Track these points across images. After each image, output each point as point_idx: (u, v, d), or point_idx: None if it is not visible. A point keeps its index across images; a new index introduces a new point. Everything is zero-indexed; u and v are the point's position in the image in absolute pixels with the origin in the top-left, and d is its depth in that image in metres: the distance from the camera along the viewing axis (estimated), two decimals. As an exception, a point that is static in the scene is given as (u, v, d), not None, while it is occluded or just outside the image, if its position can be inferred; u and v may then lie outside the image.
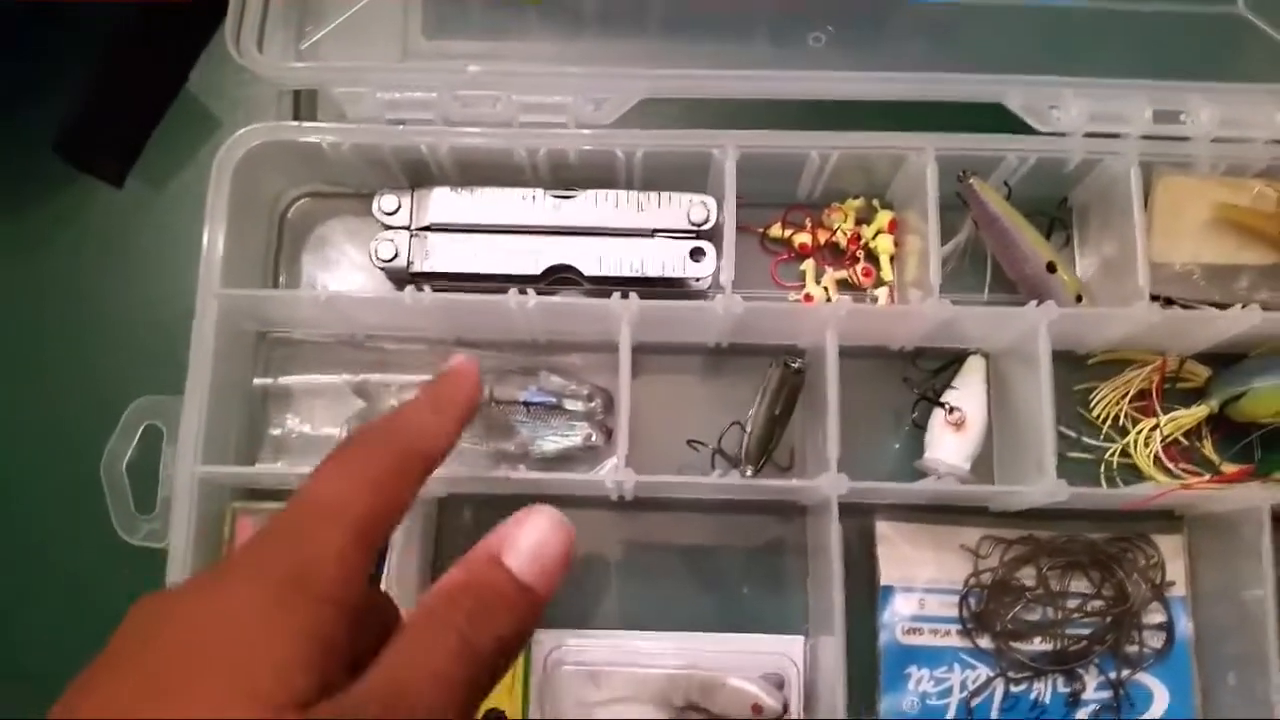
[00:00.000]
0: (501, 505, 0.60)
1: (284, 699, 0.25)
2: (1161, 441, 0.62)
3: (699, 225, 0.62)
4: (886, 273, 0.64)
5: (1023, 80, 0.60)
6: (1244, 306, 0.58)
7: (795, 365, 0.60)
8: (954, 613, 0.60)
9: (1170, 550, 0.62)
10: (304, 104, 0.67)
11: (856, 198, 0.65)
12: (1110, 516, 0.62)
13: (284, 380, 0.62)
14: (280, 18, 0.61)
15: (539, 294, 0.58)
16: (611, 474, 0.56)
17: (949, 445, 0.59)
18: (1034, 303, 0.57)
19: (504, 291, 0.58)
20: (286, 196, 0.66)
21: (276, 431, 0.62)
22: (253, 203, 0.63)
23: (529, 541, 0.32)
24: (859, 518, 0.61)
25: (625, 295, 0.57)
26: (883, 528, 0.61)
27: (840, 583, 0.54)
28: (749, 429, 0.59)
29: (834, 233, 0.65)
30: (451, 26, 0.64)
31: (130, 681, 0.26)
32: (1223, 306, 0.60)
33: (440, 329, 0.62)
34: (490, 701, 0.58)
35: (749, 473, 0.58)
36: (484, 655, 0.29)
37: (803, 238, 0.65)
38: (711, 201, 0.62)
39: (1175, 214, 0.61)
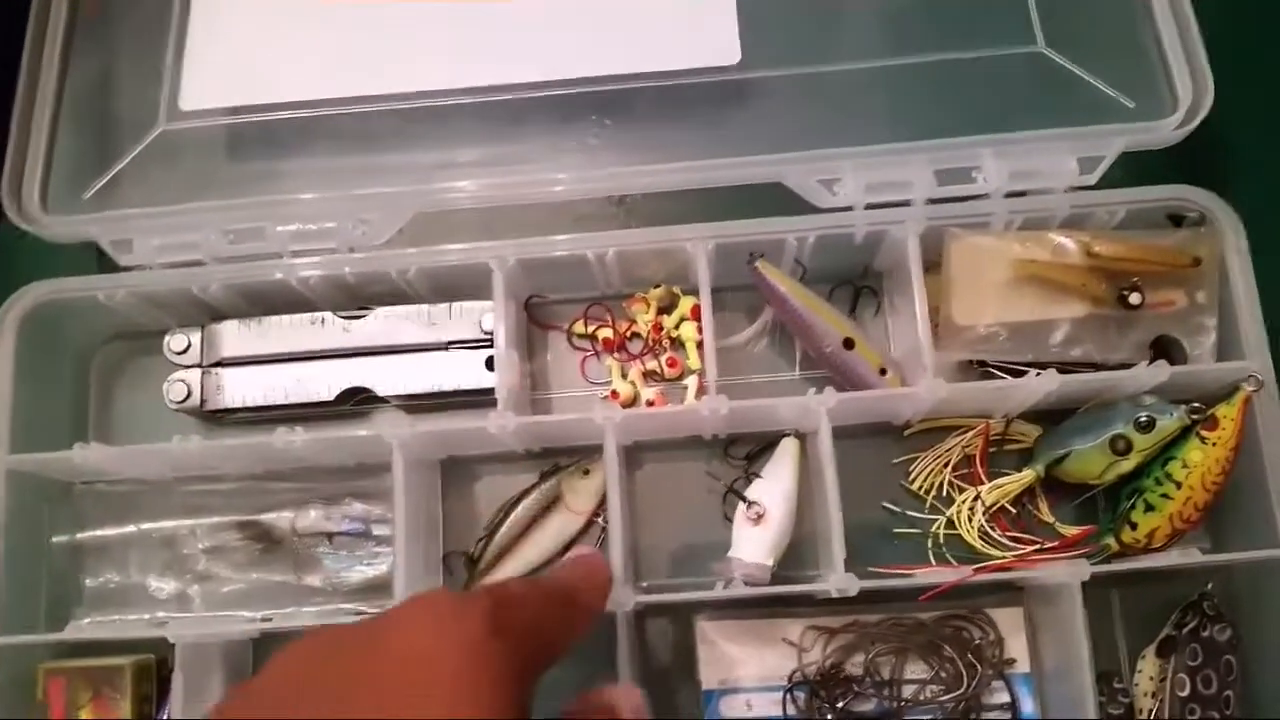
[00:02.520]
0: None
1: None
2: (986, 511, 0.59)
3: (492, 334, 0.61)
4: (693, 360, 0.63)
5: (798, 158, 0.58)
6: (1039, 374, 0.55)
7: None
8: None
9: (1010, 625, 0.59)
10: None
11: (658, 286, 0.64)
12: (946, 592, 0.59)
13: (95, 533, 0.62)
14: (64, 170, 0.62)
15: (338, 417, 0.59)
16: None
17: (748, 541, 0.57)
18: (812, 390, 0.55)
19: (304, 418, 0.59)
20: (93, 344, 0.66)
21: (93, 582, 0.61)
22: (52, 357, 0.63)
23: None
24: (681, 618, 0.60)
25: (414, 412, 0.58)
26: (704, 628, 0.59)
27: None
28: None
29: (633, 324, 0.63)
30: (231, 157, 0.64)
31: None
32: (1041, 364, 0.57)
33: (242, 464, 0.61)
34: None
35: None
36: None
37: (606, 332, 0.64)
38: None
39: (973, 275, 0.59)
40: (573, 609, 0.40)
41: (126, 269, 0.60)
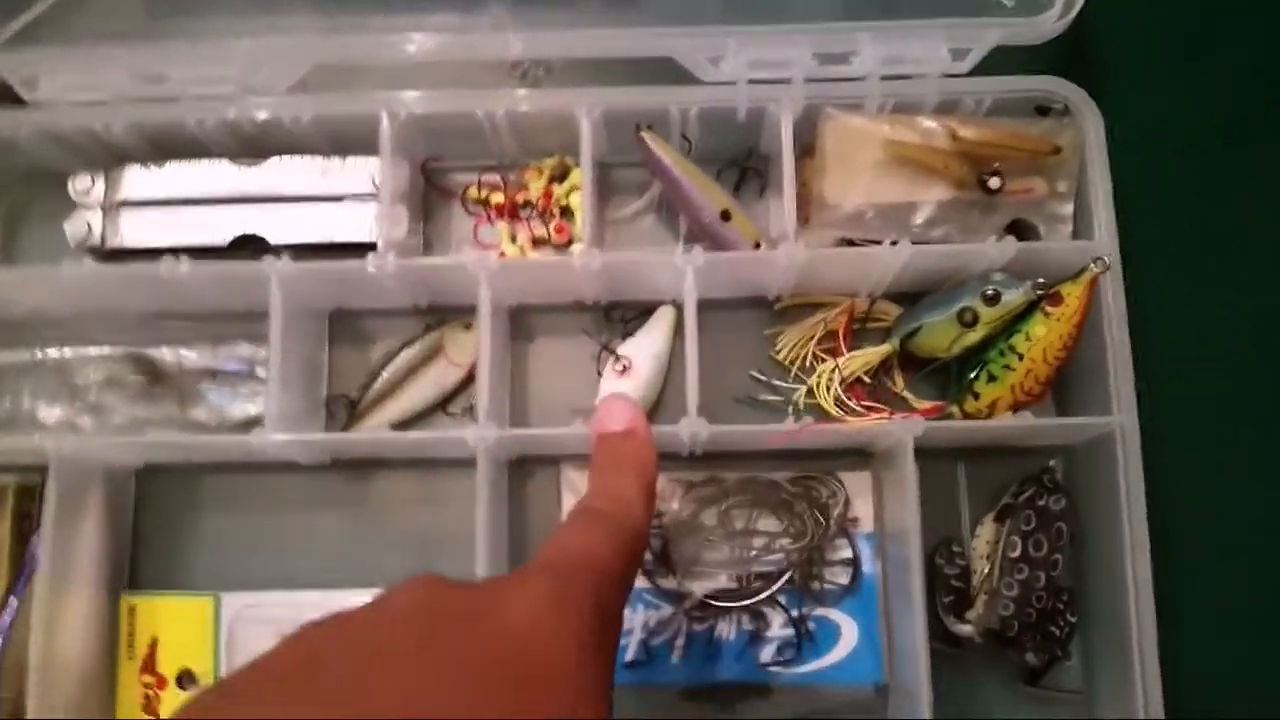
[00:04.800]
0: (203, 473, 0.63)
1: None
2: (843, 381, 0.62)
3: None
4: (581, 230, 0.65)
5: (687, 32, 0.61)
6: (894, 243, 0.58)
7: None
8: (639, 557, 0.61)
9: (859, 487, 0.63)
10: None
11: (552, 155, 0.66)
12: (802, 456, 0.62)
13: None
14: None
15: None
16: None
17: (612, 390, 0.60)
18: (681, 248, 0.58)
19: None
20: (1, 186, 0.68)
21: (-13, 410, 0.64)
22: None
23: None
24: (549, 467, 0.63)
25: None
26: (569, 475, 0.62)
27: (485, 534, 0.55)
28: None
29: (524, 190, 0.66)
30: (149, 14, 0.65)
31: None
32: (906, 244, 0.60)
33: (134, 299, 0.64)
34: (181, 660, 0.60)
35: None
36: None
37: (498, 197, 0.66)
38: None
39: (845, 155, 0.61)
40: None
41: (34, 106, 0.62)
